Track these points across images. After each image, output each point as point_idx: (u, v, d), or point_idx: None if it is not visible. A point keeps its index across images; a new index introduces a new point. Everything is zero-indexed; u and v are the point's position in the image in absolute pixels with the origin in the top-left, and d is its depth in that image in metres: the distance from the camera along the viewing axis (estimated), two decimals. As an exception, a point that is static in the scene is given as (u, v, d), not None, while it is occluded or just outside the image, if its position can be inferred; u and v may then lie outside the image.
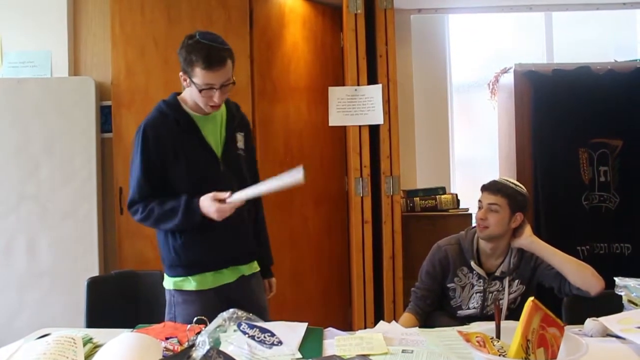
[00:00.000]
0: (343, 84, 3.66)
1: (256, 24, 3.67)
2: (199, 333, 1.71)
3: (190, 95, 2.16)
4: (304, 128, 3.83)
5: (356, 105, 3.47)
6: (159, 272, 2.65)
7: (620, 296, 2.02)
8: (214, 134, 2.20)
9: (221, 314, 1.77)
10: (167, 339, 1.75)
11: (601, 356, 1.63)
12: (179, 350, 1.64)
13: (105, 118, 3.69)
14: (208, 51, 1.99)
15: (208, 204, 2.04)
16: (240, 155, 2.27)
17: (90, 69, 3.80)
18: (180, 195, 2.09)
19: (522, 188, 2.41)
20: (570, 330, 1.64)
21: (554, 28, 4.38)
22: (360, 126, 3.47)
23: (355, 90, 3.47)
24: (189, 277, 2.18)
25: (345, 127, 3.61)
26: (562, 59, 4.22)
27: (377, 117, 3.44)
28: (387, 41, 3.48)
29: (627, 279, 2.04)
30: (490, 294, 2.39)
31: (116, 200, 3.57)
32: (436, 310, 2.50)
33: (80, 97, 3.58)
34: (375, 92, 3.45)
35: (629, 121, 3.56)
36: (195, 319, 1.84)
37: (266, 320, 1.95)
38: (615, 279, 2.06)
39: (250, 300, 2.24)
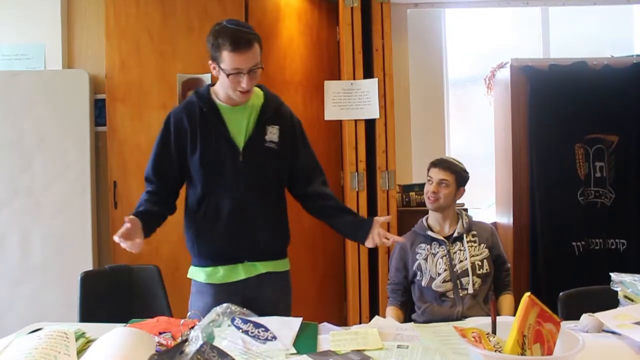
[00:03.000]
0: (339, 78, 3.65)
1: (251, 18, 3.64)
2: (192, 328, 1.69)
3: (221, 85, 2.13)
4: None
5: (352, 100, 3.46)
6: (153, 267, 2.66)
7: (616, 292, 2.02)
8: (239, 125, 2.15)
9: (214, 308, 1.76)
10: (160, 333, 1.74)
11: (597, 352, 1.62)
12: (172, 345, 1.62)
13: (99, 111, 3.67)
14: (234, 34, 1.99)
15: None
16: (270, 148, 2.18)
17: (84, 62, 3.78)
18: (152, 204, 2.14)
19: (465, 167, 2.72)
20: (566, 325, 1.63)
21: (551, 23, 4.37)
22: (356, 120, 3.46)
23: (351, 84, 3.46)
24: (202, 268, 2.19)
25: (340, 121, 3.60)
26: (558, 54, 4.20)
27: (373, 111, 3.43)
28: (384, 35, 3.47)
29: (623, 274, 2.03)
30: (455, 254, 2.59)
31: (110, 194, 3.55)
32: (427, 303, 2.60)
33: (74, 90, 3.56)
34: (371, 86, 3.43)
35: (625, 117, 3.56)
36: (190, 313, 1.83)
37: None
38: (611, 274, 2.05)
39: (268, 301, 2.17)
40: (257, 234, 2.17)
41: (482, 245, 2.63)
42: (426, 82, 4.30)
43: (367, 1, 3.52)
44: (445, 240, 2.63)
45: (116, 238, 1.88)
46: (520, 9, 4.37)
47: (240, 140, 2.14)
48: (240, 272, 2.18)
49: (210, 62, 2.09)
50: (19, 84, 3.52)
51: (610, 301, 2.00)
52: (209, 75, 3.56)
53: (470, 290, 2.53)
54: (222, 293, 2.14)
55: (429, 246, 2.63)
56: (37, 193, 3.51)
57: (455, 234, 2.63)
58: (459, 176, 2.66)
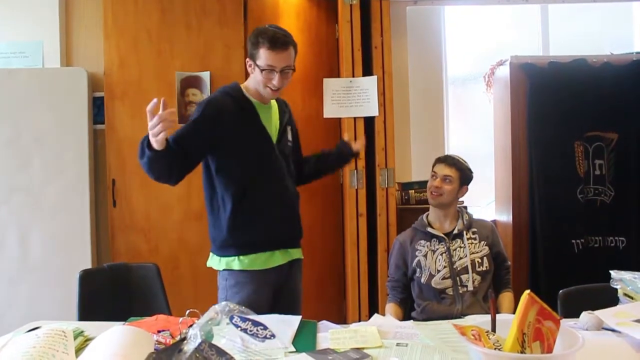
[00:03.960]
0: (338, 76, 3.64)
1: (250, 15, 3.64)
2: (191, 326, 1.69)
3: (253, 81, 2.28)
4: (299, 120, 3.74)
5: (351, 97, 3.45)
6: (152, 265, 2.65)
7: (616, 289, 2.02)
8: (269, 121, 2.33)
9: (213, 306, 1.75)
10: (159, 332, 1.74)
11: (597, 350, 1.62)
12: (171, 343, 1.62)
13: (97, 109, 3.66)
14: (274, 34, 2.18)
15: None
16: (289, 146, 2.41)
17: (83, 60, 3.77)
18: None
19: (470, 166, 2.75)
20: (566, 323, 1.63)
21: (550, 20, 4.36)
22: (355, 118, 3.46)
23: (350, 81, 3.45)
24: (240, 257, 2.27)
25: (340, 118, 3.59)
26: (558, 51, 4.20)
27: (372, 109, 3.42)
28: (383, 33, 3.46)
29: (622, 272, 2.03)
30: (455, 251, 2.59)
31: (109, 192, 3.55)
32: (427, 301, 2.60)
33: (72, 88, 3.55)
34: (370, 83, 3.43)
35: (624, 114, 3.55)
36: (188, 311, 1.83)
37: (299, 307, 2.37)
38: (611, 272, 2.05)
39: (294, 285, 2.42)
40: (293, 221, 2.41)
41: (482, 242, 2.63)
42: (425, 80, 4.29)
43: (366, -2, 3.51)
44: (445, 237, 2.63)
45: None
46: (519, 6, 4.36)
47: (274, 136, 2.33)
48: (277, 257, 2.32)
49: (247, 59, 2.26)
50: (17, 82, 3.51)
51: (609, 299, 1.99)
52: (208, 73, 3.55)
53: (470, 288, 2.52)
54: (260, 280, 2.26)
55: (428, 243, 2.63)
56: (36, 191, 3.50)
57: (456, 231, 2.63)
58: (463, 174, 2.69)
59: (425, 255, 2.61)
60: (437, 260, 2.59)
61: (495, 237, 2.70)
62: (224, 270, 2.29)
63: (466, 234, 2.63)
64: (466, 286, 2.53)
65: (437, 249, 2.61)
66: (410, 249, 2.66)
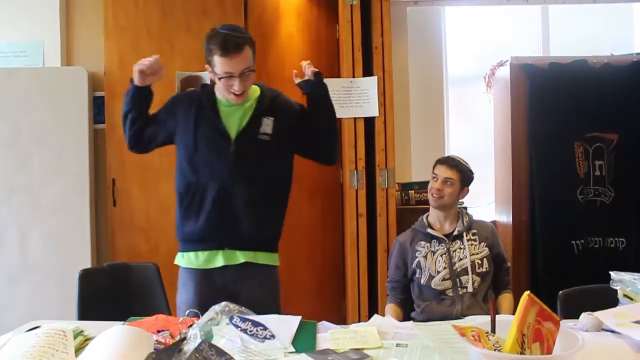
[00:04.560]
0: (338, 76, 3.64)
1: (251, 15, 3.64)
2: (190, 326, 1.69)
3: (217, 87, 2.26)
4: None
5: (351, 98, 3.45)
6: (151, 265, 2.66)
7: (616, 290, 2.01)
8: (233, 118, 2.24)
9: (213, 307, 1.75)
10: (158, 332, 1.73)
11: (596, 351, 1.62)
12: (171, 343, 1.62)
13: (98, 109, 3.66)
14: (225, 38, 2.08)
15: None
16: (263, 140, 2.23)
17: (83, 59, 3.77)
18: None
19: (470, 167, 2.74)
20: (566, 324, 1.63)
21: (551, 21, 4.36)
22: (355, 118, 3.45)
23: (351, 82, 3.45)
24: (184, 253, 2.28)
25: (340, 119, 3.58)
26: (558, 52, 4.20)
27: (372, 109, 3.42)
28: (383, 33, 3.46)
29: (622, 273, 2.03)
30: (455, 252, 2.59)
31: (109, 191, 3.55)
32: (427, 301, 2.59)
33: (73, 88, 3.55)
34: (370, 84, 3.43)
35: (624, 115, 3.55)
36: (188, 311, 1.83)
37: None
38: (611, 273, 2.05)
39: (251, 295, 2.17)
40: (240, 222, 2.21)
41: (482, 244, 2.63)
42: (426, 80, 4.29)
43: (367, -1, 3.51)
44: (445, 239, 2.63)
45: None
46: (520, 6, 4.36)
47: (232, 131, 2.22)
48: (220, 258, 2.22)
49: (207, 65, 2.19)
50: (18, 81, 3.51)
51: (609, 300, 1.99)
52: (207, 72, 3.54)
53: (470, 289, 2.52)
54: (204, 280, 2.22)
55: (428, 244, 2.63)
56: (36, 191, 3.50)
57: (456, 232, 2.64)
58: (464, 175, 2.69)
59: (425, 257, 2.61)
60: (437, 261, 2.59)
61: (495, 238, 2.70)
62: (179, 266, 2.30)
63: (466, 235, 2.63)
64: (466, 287, 2.53)
65: (437, 250, 2.61)
66: (410, 249, 2.66)
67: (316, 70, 2.34)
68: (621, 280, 2.00)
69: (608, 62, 3.59)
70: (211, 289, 2.20)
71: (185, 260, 2.27)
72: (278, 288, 2.37)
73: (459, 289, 2.53)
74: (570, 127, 3.55)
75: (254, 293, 2.19)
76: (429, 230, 2.65)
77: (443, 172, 2.67)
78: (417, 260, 2.62)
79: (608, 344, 1.69)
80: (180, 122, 2.27)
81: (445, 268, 2.56)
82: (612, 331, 1.76)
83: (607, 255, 3.53)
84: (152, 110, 2.36)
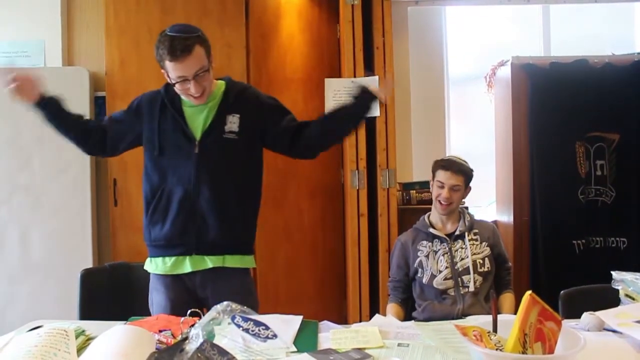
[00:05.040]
0: (339, 76, 3.64)
1: (252, 15, 3.64)
2: (192, 326, 1.69)
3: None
4: (300, 119, 3.81)
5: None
6: (153, 265, 2.64)
7: (617, 290, 2.01)
8: (198, 118, 2.16)
9: (215, 306, 1.75)
10: (160, 331, 1.73)
11: (598, 350, 1.62)
12: (172, 343, 1.62)
13: (99, 109, 3.66)
14: (171, 42, 1.98)
15: None
16: (229, 139, 2.15)
17: (85, 59, 3.77)
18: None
19: (469, 164, 2.71)
20: (567, 324, 1.63)
21: (552, 21, 4.36)
22: (356, 118, 3.44)
23: (352, 81, 3.44)
24: (153, 259, 2.23)
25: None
26: (559, 52, 4.20)
27: (373, 109, 3.41)
28: (384, 33, 3.45)
29: (624, 273, 2.02)
30: (456, 252, 2.58)
31: (110, 191, 3.55)
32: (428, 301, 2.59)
33: (74, 88, 3.55)
34: (371, 84, 3.41)
35: (626, 115, 3.55)
36: (190, 311, 1.83)
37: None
38: (613, 273, 2.04)
39: (227, 297, 2.01)
40: (206, 226, 2.14)
41: (484, 243, 2.62)
42: (427, 80, 4.29)
43: (368, -2, 3.51)
44: (447, 238, 2.62)
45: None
46: (521, 6, 4.36)
47: (197, 132, 2.15)
48: (188, 264, 2.16)
49: (162, 70, 2.09)
50: (19, 81, 3.50)
51: (611, 300, 1.99)
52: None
53: (472, 288, 2.52)
54: (174, 284, 2.18)
55: (430, 243, 2.63)
56: (37, 190, 3.50)
57: (457, 232, 2.63)
58: (467, 177, 2.68)
59: (427, 256, 2.61)
60: (438, 260, 2.58)
61: (496, 237, 2.69)
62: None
63: (468, 235, 2.62)
64: (467, 287, 2.53)
65: (439, 250, 2.60)
66: (412, 249, 2.66)
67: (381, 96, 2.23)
68: (623, 280, 2.00)
69: (609, 62, 3.59)
70: (182, 294, 2.17)
71: (154, 265, 2.22)
72: (252, 291, 2.30)
73: (461, 288, 2.53)
74: (571, 126, 3.55)
75: (223, 298, 1.97)
76: (431, 230, 2.65)
77: (449, 179, 2.62)
78: (418, 259, 2.62)
79: (610, 343, 1.69)
80: (145, 124, 2.20)
81: (447, 267, 2.56)
82: (614, 331, 1.75)
83: (609, 255, 3.53)
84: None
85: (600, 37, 4.38)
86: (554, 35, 4.35)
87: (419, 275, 2.60)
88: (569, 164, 3.55)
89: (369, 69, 3.47)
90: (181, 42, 1.98)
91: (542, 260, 3.52)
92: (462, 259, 2.57)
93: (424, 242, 2.64)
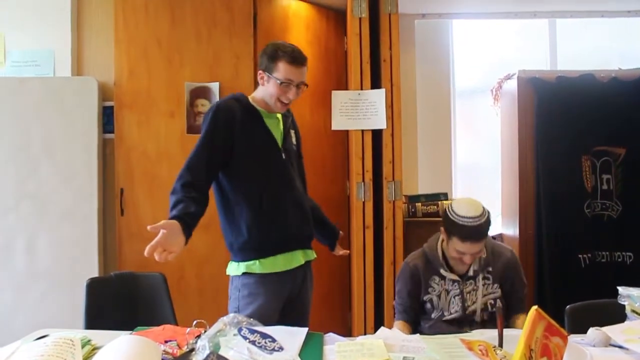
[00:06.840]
0: (346, 88, 3.65)
1: (260, 27, 3.66)
2: (198, 337, 1.69)
3: (263, 93, 2.33)
4: (307, 132, 3.78)
5: (359, 110, 3.46)
6: (158, 274, 2.65)
7: (623, 306, 2.00)
8: (274, 127, 2.37)
9: (221, 318, 1.75)
10: (166, 342, 1.73)
11: (604, 366, 1.61)
12: (178, 354, 1.62)
13: (107, 118, 3.68)
14: (293, 50, 2.28)
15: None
16: (294, 149, 2.45)
17: (93, 69, 3.79)
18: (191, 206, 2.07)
19: (488, 212, 2.37)
20: (573, 339, 1.63)
21: (558, 35, 4.38)
22: (362, 130, 3.46)
23: (359, 94, 3.46)
24: (261, 260, 2.27)
25: (347, 131, 3.60)
26: (566, 66, 4.21)
27: (380, 121, 3.43)
28: (391, 46, 3.47)
29: (630, 288, 2.02)
30: (468, 294, 2.45)
31: (117, 201, 3.56)
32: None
33: (83, 97, 3.57)
34: (378, 96, 3.44)
35: (632, 129, 3.55)
36: (195, 322, 1.83)
37: (307, 319, 2.39)
38: (619, 288, 2.03)
39: (304, 294, 2.43)
40: (309, 219, 2.43)
41: (496, 285, 2.46)
42: (433, 93, 4.30)
43: (375, 12, 3.52)
44: (460, 279, 2.46)
45: (149, 250, 2.02)
46: (527, 20, 4.38)
47: (279, 139, 2.37)
48: (297, 258, 2.36)
49: (260, 71, 2.31)
50: (28, 90, 3.54)
51: (617, 315, 1.98)
52: (217, 84, 3.58)
53: (479, 320, 2.46)
54: (276, 288, 2.28)
55: (443, 282, 2.48)
56: (44, 199, 3.52)
57: (471, 273, 2.45)
58: (487, 235, 2.41)
59: (439, 296, 2.48)
60: (450, 302, 2.46)
61: (510, 272, 2.49)
62: (242, 275, 2.26)
63: (481, 275, 2.45)
64: (477, 322, 2.47)
65: (451, 291, 2.46)
66: (424, 282, 2.50)
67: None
68: (629, 295, 2.00)
69: (615, 76, 3.60)
70: (279, 299, 2.31)
71: (262, 266, 2.27)
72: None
73: (469, 322, 2.47)
74: (578, 140, 3.55)
75: (307, 295, 2.45)
76: (444, 273, 2.46)
77: (472, 249, 2.33)
78: (429, 296, 2.50)
79: (616, 359, 1.69)
80: (237, 130, 2.25)
81: (457, 311, 2.45)
82: (620, 347, 1.75)
83: (615, 270, 3.51)
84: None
85: (606, 51, 4.39)
86: (561, 49, 4.36)
87: (428, 307, 2.50)
88: (575, 177, 3.54)
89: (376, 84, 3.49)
90: (301, 53, 2.30)
91: (547, 275, 3.50)
92: (474, 302, 2.45)
93: (437, 279, 2.48)
